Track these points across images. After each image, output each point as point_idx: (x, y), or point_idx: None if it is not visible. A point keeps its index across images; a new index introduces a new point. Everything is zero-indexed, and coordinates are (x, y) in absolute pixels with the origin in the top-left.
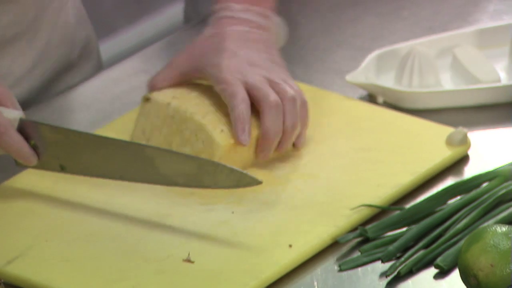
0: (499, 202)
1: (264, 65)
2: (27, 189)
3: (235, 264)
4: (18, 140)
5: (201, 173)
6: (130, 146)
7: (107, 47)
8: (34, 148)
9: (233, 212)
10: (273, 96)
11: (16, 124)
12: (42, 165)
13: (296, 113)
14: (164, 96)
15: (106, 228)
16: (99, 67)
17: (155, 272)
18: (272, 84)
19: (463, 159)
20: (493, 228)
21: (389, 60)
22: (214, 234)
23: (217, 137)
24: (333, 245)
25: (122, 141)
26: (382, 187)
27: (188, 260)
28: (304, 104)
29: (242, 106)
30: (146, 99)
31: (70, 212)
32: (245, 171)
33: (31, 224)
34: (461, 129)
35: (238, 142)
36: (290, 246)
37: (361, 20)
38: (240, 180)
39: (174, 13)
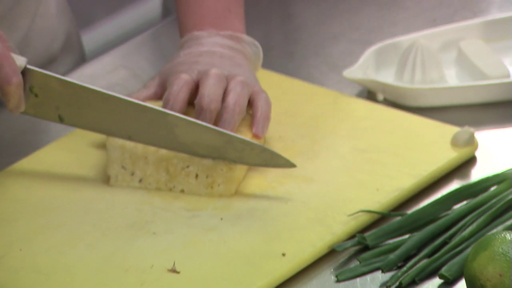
0: (508, 207)
1: (227, 67)
2: (2, 193)
3: (224, 275)
4: (18, 84)
5: (226, 147)
6: (150, 110)
7: (86, 40)
8: (35, 95)
9: (221, 219)
10: (213, 71)
11: (20, 70)
12: (39, 113)
13: (242, 95)
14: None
15: (82, 236)
16: (82, 60)
17: (136, 284)
18: (228, 76)
19: (470, 161)
20: (502, 235)
21: (389, 54)
22: (201, 242)
23: None
24: (330, 253)
25: (141, 104)
26: (382, 191)
27: (173, 270)
28: (266, 100)
29: (176, 86)
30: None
31: (45, 218)
32: (278, 152)
33: (7, 230)
34: (468, 129)
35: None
36: (283, 255)
37: (359, 10)
38: (270, 160)
39: (155, 5)
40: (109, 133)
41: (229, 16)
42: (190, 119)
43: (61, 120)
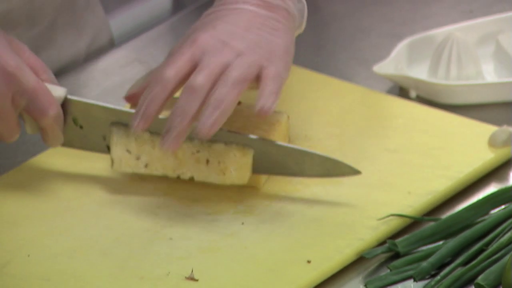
0: None
1: (239, 47)
2: (8, 197)
3: (245, 283)
4: (55, 116)
5: (286, 160)
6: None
7: None
8: (79, 126)
9: (242, 223)
10: (199, 79)
11: (60, 101)
12: (86, 145)
13: (225, 92)
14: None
15: (94, 241)
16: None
17: None
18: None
19: (508, 162)
20: None
21: (422, 49)
22: (221, 248)
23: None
24: (358, 261)
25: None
26: (414, 195)
27: (191, 278)
28: (274, 80)
29: (155, 89)
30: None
31: (55, 222)
32: (339, 159)
33: (12, 236)
34: (506, 128)
35: (134, 129)
36: (309, 262)
37: (390, 2)
38: (333, 169)
39: None
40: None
41: None
42: (247, 136)
43: (109, 149)
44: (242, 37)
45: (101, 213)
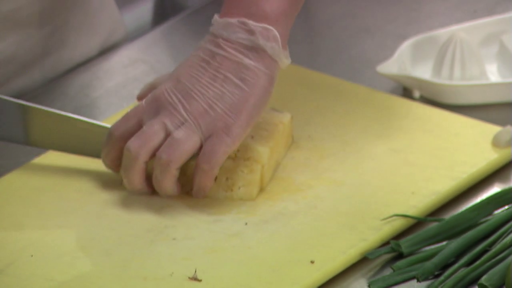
0: None
1: (196, 107)
2: (11, 197)
3: (248, 283)
4: None
5: None
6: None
7: None
8: None
9: (246, 223)
10: (132, 146)
11: None
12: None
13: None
14: None
15: (97, 242)
16: None
17: None
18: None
19: None
20: None
21: (426, 49)
22: (224, 248)
23: (255, 145)
24: (361, 261)
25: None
26: (418, 195)
27: (195, 278)
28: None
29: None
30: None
31: (58, 222)
32: None
33: (16, 236)
34: (509, 128)
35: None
36: (312, 262)
37: (394, 2)
38: None
39: None
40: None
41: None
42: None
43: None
44: (199, 95)
45: (104, 213)
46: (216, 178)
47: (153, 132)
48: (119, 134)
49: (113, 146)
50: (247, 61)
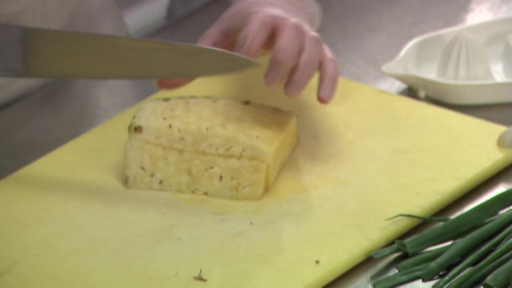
0: None
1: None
2: (16, 197)
3: (254, 283)
4: None
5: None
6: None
7: None
8: None
9: (251, 223)
10: (293, 21)
11: None
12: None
13: (315, 56)
14: (156, 120)
15: (102, 241)
16: None
17: None
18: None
19: None
20: None
21: (431, 48)
22: (229, 247)
23: (260, 145)
24: (366, 261)
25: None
26: (423, 195)
27: (200, 278)
28: (332, 62)
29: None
30: (135, 129)
31: (63, 222)
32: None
33: (21, 235)
34: None
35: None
36: (317, 262)
37: (400, 1)
38: (231, 63)
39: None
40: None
41: None
42: (141, 39)
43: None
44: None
45: (109, 213)
46: (221, 178)
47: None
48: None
49: (262, 25)
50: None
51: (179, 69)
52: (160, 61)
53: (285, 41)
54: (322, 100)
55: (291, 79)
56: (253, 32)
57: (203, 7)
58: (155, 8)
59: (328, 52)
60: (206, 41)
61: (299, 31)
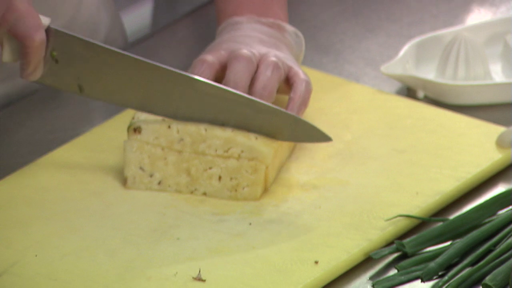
0: None
1: (267, 50)
2: (16, 197)
3: (252, 283)
4: (41, 41)
5: (256, 117)
6: (181, 77)
7: None
8: (55, 60)
9: (250, 223)
10: (244, 51)
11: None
12: (56, 82)
13: (272, 79)
14: (155, 121)
15: (101, 241)
16: None
17: None
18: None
19: None
20: None
21: (430, 49)
22: (228, 248)
23: (259, 146)
24: (366, 261)
25: (167, 69)
26: (422, 195)
27: (199, 279)
28: (304, 82)
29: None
30: (135, 130)
31: (62, 222)
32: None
33: (20, 236)
34: None
35: None
36: (316, 262)
37: (398, 1)
38: (303, 132)
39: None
40: (132, 105)
41: (271, 3)
42: (221, 86)
43: (80, 90)
44: (261, 45)
45: (108, 213)
46: (220, 179)
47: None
48: (214, 59)
49: (209, 68)
50: (275, 41)
51: (254, 124)
52: (236, 113)
53: (232, 72)
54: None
55: None
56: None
57: (188, 14)
58: (150, 9)
59: (300, 73)
60: (207, 71)
61: (249, 59)
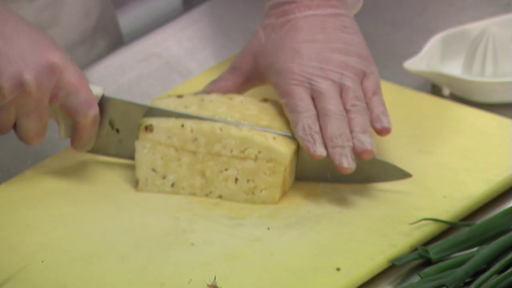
0: None
1: (337, 61)
2: (21, 199)
3: None
4: (93, 122)
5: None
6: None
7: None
8: (116, 130)
9: (268, 228)
10: (334, 105)
11: (97, 99)
12: (121, 152)
13: (363, 122)
14: (168, 119)
15: (112, 247)
16: (120, 44)
17: None
18: (342, 89)
19: None
20: None
21: (456, 44)
22: (245, 254)
23: (277, 146)
24: (389, 268)
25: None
26: (450, 199)
27: (214, 286)
28: (380, 98)
29: (305, 119)
30: (146, 128)
31: (72, 226)
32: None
33: (28, 240)
34: None
35: (316, 156)
36: (338, 269)
37: None
38: (380, 173)
39: None
40: None
41: None
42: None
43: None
44: (330, 49)
45: (119, 216)
46: (236, 181)
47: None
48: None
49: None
50: (334, 11)
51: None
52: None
53: (329, 132)
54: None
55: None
56: (308, 131)
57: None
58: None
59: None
60: (226, 82)
61: (341, 117)
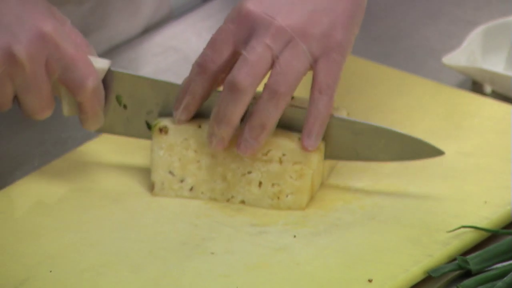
0: None
1: (289, 26)
2: (27, 204)
3: None
4: (94, 95)
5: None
6: None
7: None
8: (123, 106)
9: (294, 236)
10: (241, 78)
11: (103, 75)
12: (130, 131)
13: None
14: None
15: (124, 256)
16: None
17: None
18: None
19: None
20: None
21: (499, 37)
22: (269, 264)
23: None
24: (425, 280)
25: None
26: (491, 205)
27: None
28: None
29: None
30: (160, 130)
31: (80, 233)
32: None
33: (35, 247)
34: None
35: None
36: (370, 281)
37: None
38: (413, 151)
39: None
40: None
41: None
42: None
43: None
44: (293, 11)
45: (132, 223)
46: (260, 185)
47: (258, 58)
48: (216, 67)
49: (204, 83)
50: None
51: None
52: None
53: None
54: (305, 149)
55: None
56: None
57: None
58: None
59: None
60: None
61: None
